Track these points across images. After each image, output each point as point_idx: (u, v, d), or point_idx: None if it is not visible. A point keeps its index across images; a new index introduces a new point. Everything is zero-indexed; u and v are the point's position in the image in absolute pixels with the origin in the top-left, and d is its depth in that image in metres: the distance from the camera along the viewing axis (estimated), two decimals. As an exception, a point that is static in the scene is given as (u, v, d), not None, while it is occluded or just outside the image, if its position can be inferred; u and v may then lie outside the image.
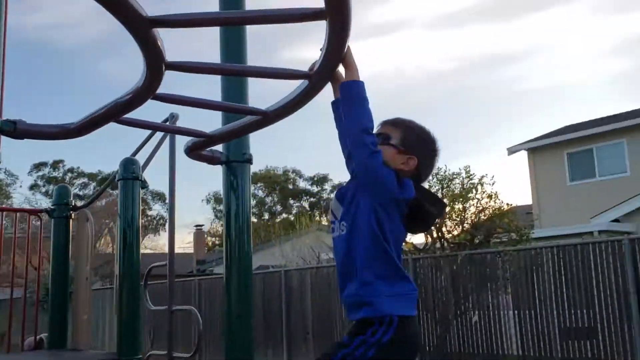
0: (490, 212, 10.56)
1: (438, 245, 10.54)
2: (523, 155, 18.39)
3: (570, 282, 7.99)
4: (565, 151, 17.24)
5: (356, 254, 1.82)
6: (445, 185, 10.75)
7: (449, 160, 24.10)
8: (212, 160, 3.03)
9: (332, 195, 2.10)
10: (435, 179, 10.55)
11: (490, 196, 10.63)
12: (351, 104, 1.85)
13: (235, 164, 3.08)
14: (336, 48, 1.76)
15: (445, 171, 10.79)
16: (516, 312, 8.50)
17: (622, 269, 7.47)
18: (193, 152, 2.99)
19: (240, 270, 3.04)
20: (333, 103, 2.12)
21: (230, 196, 3.08)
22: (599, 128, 16.60)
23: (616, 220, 13.00)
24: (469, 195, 10.68)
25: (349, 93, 1.86)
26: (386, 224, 1.81)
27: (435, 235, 10.49)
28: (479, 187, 10.67)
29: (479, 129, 52.20)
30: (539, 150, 17.88)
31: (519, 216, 12.00)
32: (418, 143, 1.97)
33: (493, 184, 10.86)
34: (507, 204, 10.76)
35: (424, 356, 9.04)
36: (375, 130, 1.91)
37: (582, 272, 7.89)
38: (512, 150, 18.41)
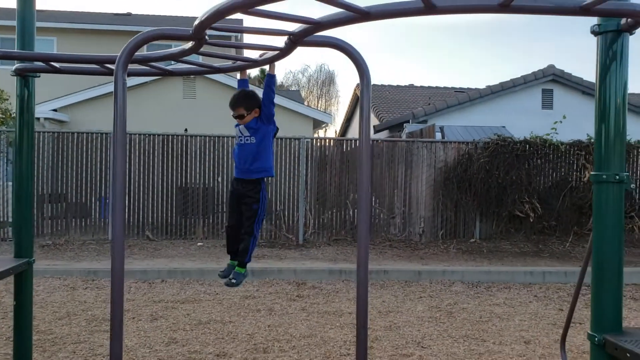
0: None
1: None
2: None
3: (64, 160, 10.41)
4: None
5: (262, 150, 4.08)
6: None
7: None
8: (21, 73, 4.37)
9: (239, 127, 4.15)
10: None
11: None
12: (274, 86, 4.10)
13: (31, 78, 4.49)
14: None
15: None
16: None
17: (107, 152, 10.52)
18: (22, 71, 4.31)
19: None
20: (239, 81, 4.28)
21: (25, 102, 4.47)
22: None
23: (54, 110, 15.54)
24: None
25: (274, 80, 3.95)
26: (272, 139, 4.31)
27: None
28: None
29: None
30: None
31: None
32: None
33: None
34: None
35: None
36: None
37: (77, 153, 10.46)
38: None
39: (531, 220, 10.78)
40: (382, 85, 25.42)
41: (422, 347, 5.29)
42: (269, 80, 4.11)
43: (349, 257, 9.58)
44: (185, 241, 10.53)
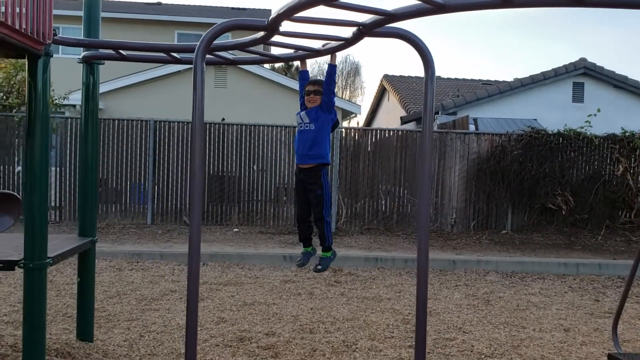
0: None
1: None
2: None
3: (104, 147, 10.71)
4: None
5: (320, 137, 4.25)
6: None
7: None
8: (88, 59, 4.59)
9: (300, 114, 4.19)
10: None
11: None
12: (335, 76, 4.27)
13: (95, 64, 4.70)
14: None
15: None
16: (58, 169, 10.58)
17: (147, 139, 10.78)
18: (90, 58, 4.53)
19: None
20: (300, 72, 4.44)
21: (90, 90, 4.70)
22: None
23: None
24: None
25: (335, 70, 4.17)
26: (330, 128, 4.47)
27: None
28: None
29: None
30: None
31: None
32: None
33: None
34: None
35: None
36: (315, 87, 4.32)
37: (117, 140, 10.75)
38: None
39: (563, 213, 10.81)
40: (408, 77, 25.31)
41: (463, 332, 5.43)
42: (330, 70, 4.25)
43: (382, 245, 9.73)
44: (222, 227, 10.77)
